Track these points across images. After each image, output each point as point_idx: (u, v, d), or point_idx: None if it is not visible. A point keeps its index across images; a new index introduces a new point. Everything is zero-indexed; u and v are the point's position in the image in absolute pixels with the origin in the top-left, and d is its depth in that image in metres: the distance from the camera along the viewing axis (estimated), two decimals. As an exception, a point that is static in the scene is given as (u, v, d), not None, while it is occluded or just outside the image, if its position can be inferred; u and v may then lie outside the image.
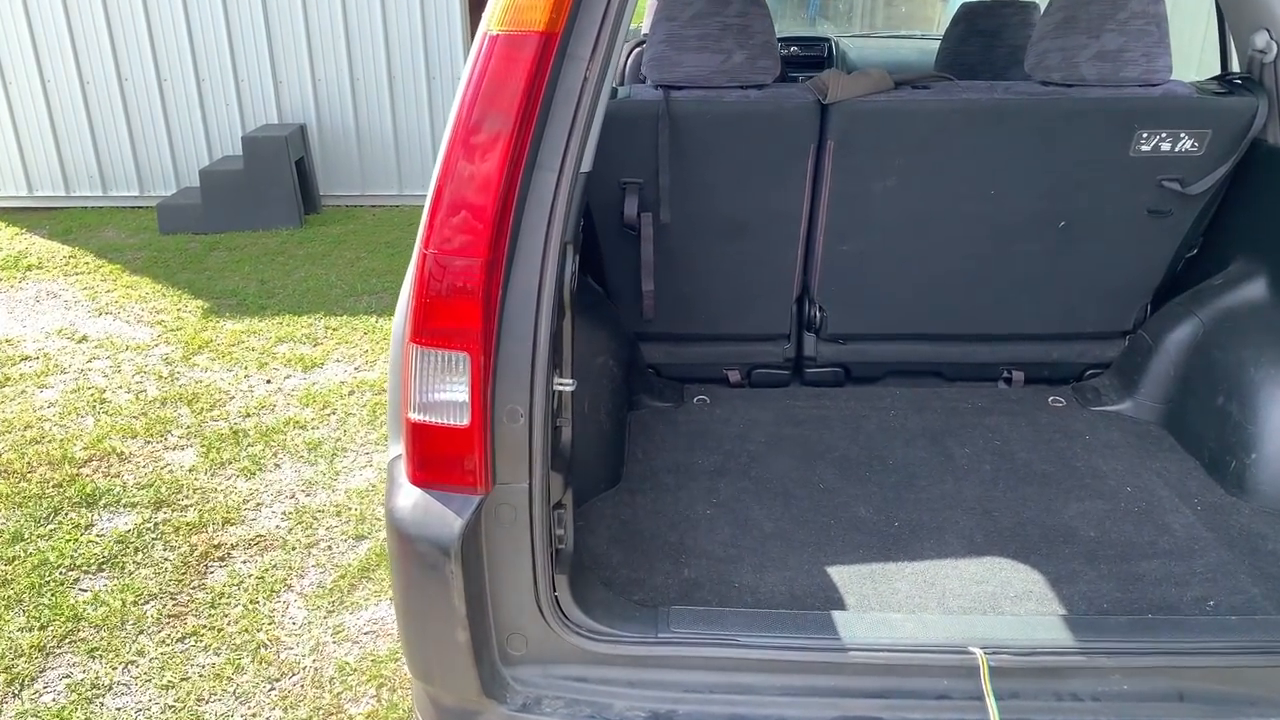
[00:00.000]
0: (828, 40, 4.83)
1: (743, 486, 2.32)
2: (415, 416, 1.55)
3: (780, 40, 4.85)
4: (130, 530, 3.31)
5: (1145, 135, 2.37)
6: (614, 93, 2.46)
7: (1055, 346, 2.78)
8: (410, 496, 1.58)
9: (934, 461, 2.42)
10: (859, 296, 2.69)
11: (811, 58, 4.69)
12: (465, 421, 1.53)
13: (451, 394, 1.52)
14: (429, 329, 1.50)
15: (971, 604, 1.90)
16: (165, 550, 3.23)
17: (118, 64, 6.76)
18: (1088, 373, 2.82)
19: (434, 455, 1.56)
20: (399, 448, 1.65)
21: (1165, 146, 2.38)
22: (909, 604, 1.90)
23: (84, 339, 4.86)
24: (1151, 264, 2.62)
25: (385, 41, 6.79)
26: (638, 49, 3.88)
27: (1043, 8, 2.56)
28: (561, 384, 1.65)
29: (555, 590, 1.68)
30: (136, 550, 3.22)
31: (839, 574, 1.99)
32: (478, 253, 1.48)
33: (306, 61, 6.83)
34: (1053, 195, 2.48)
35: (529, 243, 1.54)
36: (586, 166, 1.61)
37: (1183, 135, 2.37)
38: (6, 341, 4.84)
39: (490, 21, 1.55)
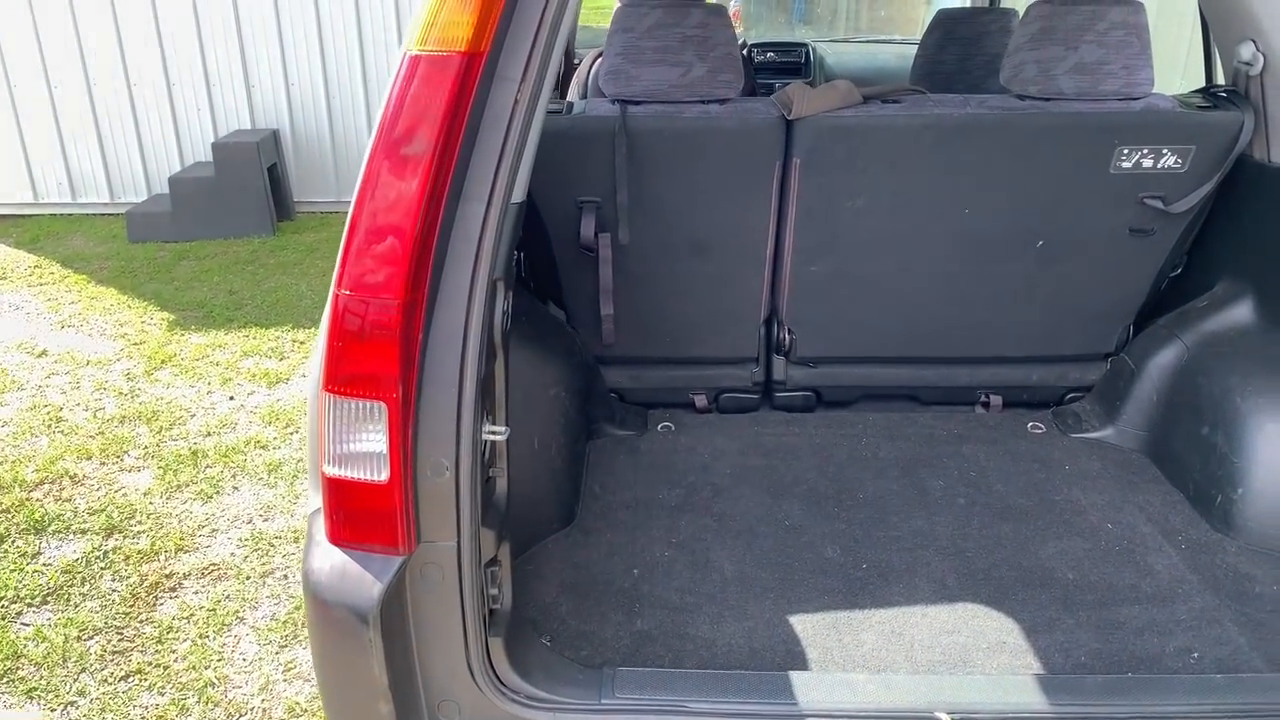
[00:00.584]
0: (805, 46, 4.72)
1: (704, 524, 2.20)
2: (330, 471, 1.43)
3: (756, 46, 4.74)
4: (79, 559, 3.18)
5: (1126, 151, 2.26)
6: (569, 107, 2.34)
7: (1034, 369, 2.67)
8: (328, 557, 1.46)
9: (906, 495, 2.30)
10: (829, 318, 2.57)
11: (789, 64, 4.57)
12: (384, 476, 1.40)
13: (368, 446, 1.40)
14: (342, 376, 1.38)
15: (941, 658, 1.78)
16: (114, 580, 3.09)
17: (86, 69, 6.61)
18: (1068, 396, 2.71)
19: (352, 513, 1.44)
20: (319, 500, 1.53)
21: (1147, 163, 2.27)
22: (874, 659, 1.78)
23: (44, 353, 4.72)
24: (1133, 284, 2.51)
25: (360, 46, 6.65)
26: (599, 59, 3.76)
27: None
28: (493, 433, 1.53)
29: (489, 654, 1.56)
30: (84, 581, 3.09)
31: (801, 624, 1.87)
32: (394, 293, 1.36)
33: (279, 66, 6.69)
34: (1030, 213, 2.36)
35: (454, 280, 1.42)
36: (519, 196, 1.49)
37: (1165, 151, 2.25)
38: (-38, 357, 4.70)
39: (410, 40, 1.43)
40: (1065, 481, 2.34)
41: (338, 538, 1.47)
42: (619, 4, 2.39)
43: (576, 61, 4.03)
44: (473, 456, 1.44)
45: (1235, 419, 2.16)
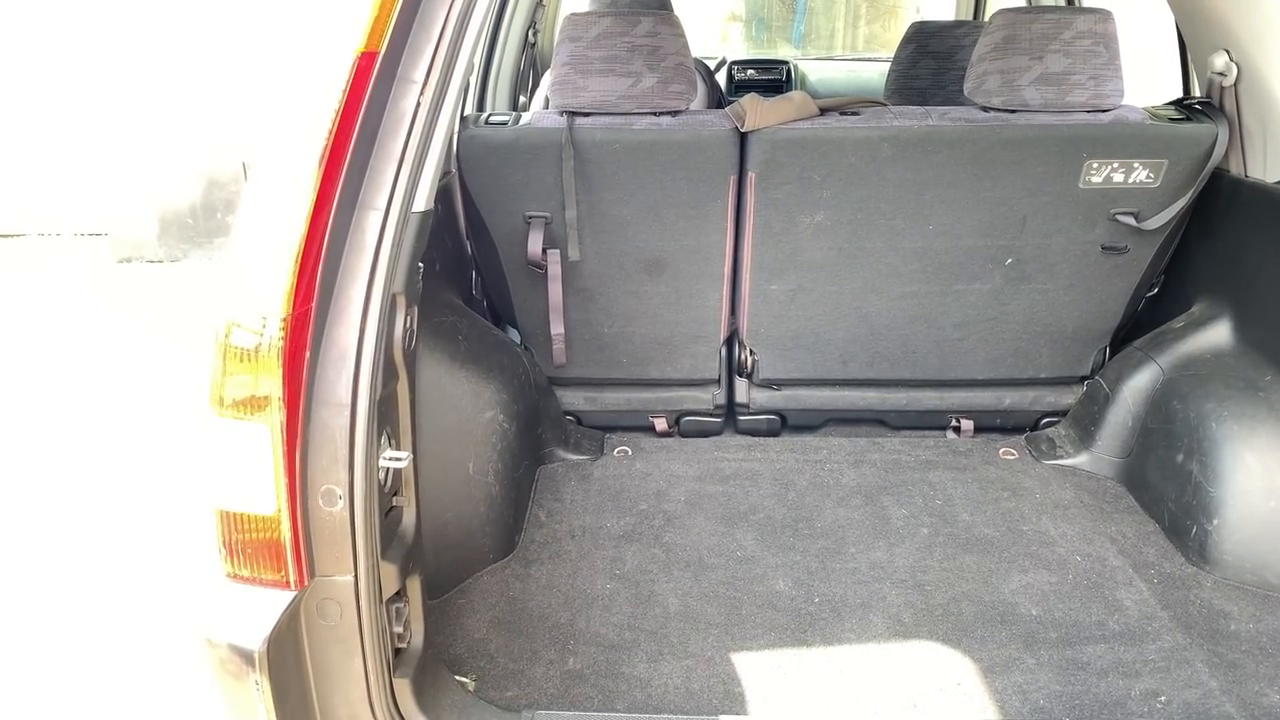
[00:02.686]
0: (786, 63, 4.63)
1: (652, 555, 2.09)
2: (213, 500, 1.32)
3: (736, 63, 4.66)
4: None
5: (1095, 165, 2.15)
6: (516, 119, 2.26)
7: (1007, 392, 2.56)
8: (214, 593, 1.36)
9: (867, 524, 2.19)
10: (792, 339, 2.46)
11: (769, 81, 4.48)
12: (270, 506, 1.30)
13: (252, 474, 1.30)
14: (224, 397, 1.28)
15: (889, 701, 1.67)
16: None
17: (72, 88, 6.57)
18: (1043, 421, 2.59)
19: (239, 545, 1.34)
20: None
21: (1118, 177, 2.17)
22: (818, 703, 1.67)
23: (20, 374, 4.64)
24: (1108, 305, 2.40)
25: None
26: None
27: None
28: (395, 458, 1.42)
29: (394, 696, 1.45)
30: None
31: (744, 663, 1.76)
32: (280, 307, 1.26)
33: (267, 87, 6.63)
34: (997, 230, 2.26)
35: (348, 295, 1.32)
36: (421, 205, 1.39)
37: (1136, 165, 2.15)
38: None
39: (309, 39, 1.34)
40: (1035, 510, 2.23)
41: (226, 572, 1.36)
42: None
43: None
44: (368, 484, 1.33)
45: (1211, 446, 2.05)
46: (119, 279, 6.00)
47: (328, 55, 1.31)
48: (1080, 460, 2.41)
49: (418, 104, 1.35)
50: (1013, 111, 2.16)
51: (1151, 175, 2.16)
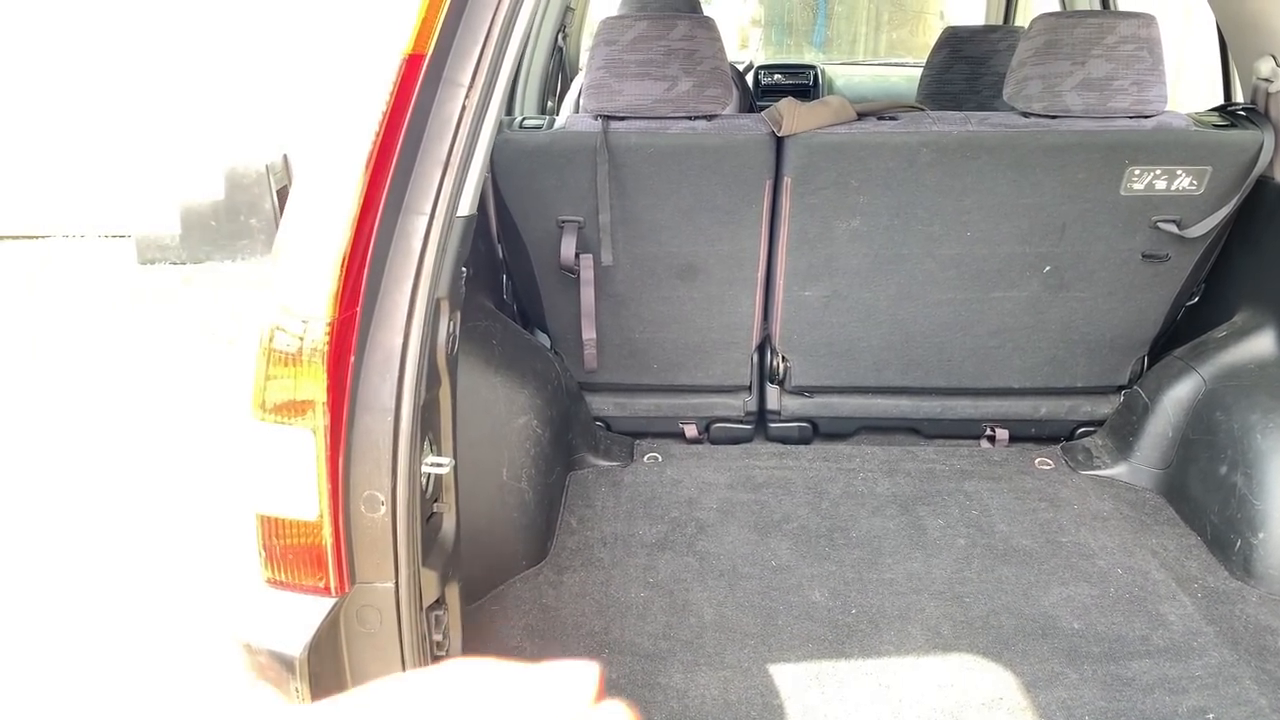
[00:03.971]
0: (814, 68, 4.61)
1: (685, 564, 2.07)
2: (255, 505, 1.31)
3: (764, 67, 4.64)
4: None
5: (1137, 172, 2.12)
6: (550, 123, 2.25)
7: (1043, 402, 2.52)
8: (255, 598, 1.35)
9: (903, 534, 2.16)
10: (825, 346, 2.44)
11: (796, 86, 4.46)
12: (313, 512, 1.29)
13: (296, 479, 1.29)
14: (268, 401, 1.27)
15: (931, 715, 1.64)
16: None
17: (95, 90, 6.62)
18: (1079, 431, 2.55)
19: (280, 551, 1.33)
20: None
21: (1160, 184, 2.14)
22: (858, 715, 1.64)
23: (42, 375, 4.66)
24: (1147, 313, 2.37)
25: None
26: None
27: None
28: (436, 464, 1.41)
29: None
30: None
31: (782, 675, 1.74)
32: (325, 311, 1.25)
33: (292, 90, 6.66)
34: (1036, 237, 2.23)
35: (393, 299, 1.31)
36: (466, 210, 1.38)
37: (1179, 172, 2.12)
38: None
39: (355, 41, 1.34)
40: (1073, 522, 2.19)
41: (267, 578, 1.35)
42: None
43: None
44: (411, 490, 1.32)
45: (1256, 458, 2.01)
46: (143, 280, 6.02)
47: (374, 57, 1.30)
48: (1118, 471, 2.37)
49: (463, 107, 1.33)
50: (1054, 117, 2.14)
51: (1195, 182, 2.12)
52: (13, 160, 6.78)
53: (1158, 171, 2.12)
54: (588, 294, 2.32)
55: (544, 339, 2.58)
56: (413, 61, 1.30)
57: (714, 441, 2.62)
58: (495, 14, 1.34)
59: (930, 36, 6.67)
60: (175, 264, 6.30)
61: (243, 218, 6.33)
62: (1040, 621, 1.87)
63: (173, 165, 6.72)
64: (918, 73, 4.85)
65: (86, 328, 5.26)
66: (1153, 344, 2.45)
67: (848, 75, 4.81)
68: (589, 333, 2.37)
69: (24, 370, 4.72)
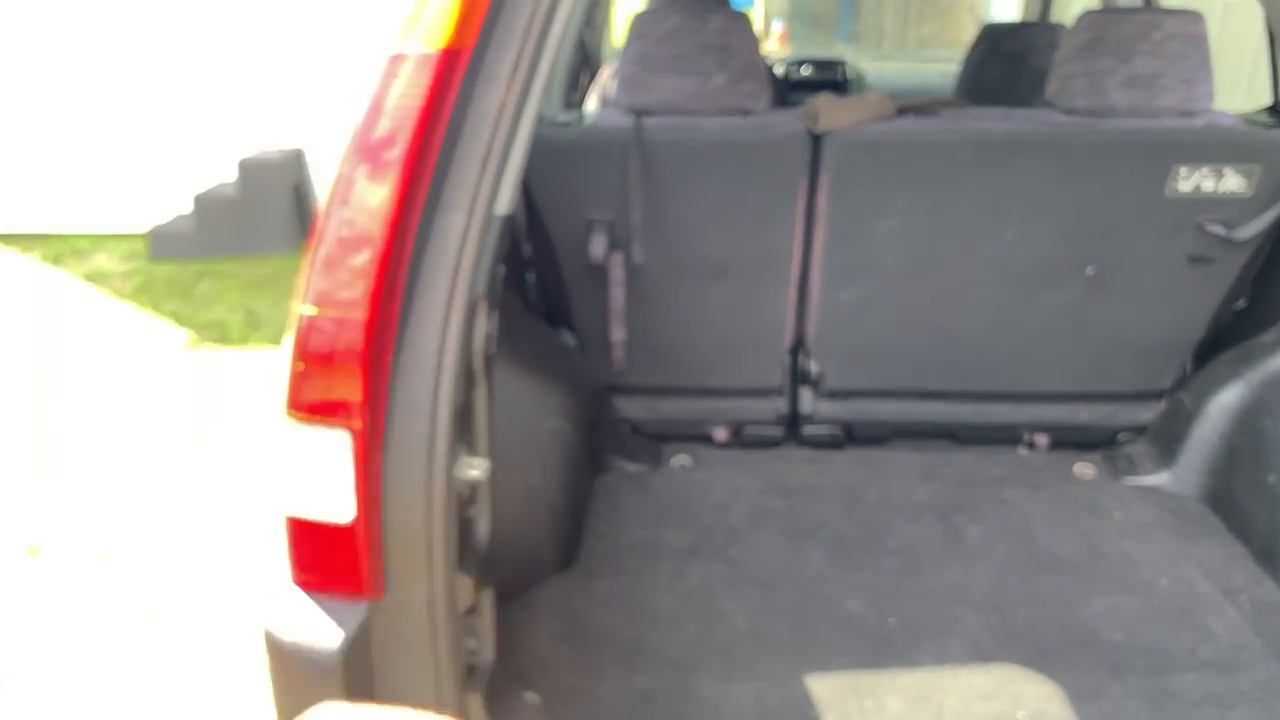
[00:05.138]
0: (843, 63, 4.56)
1: (716, 571, 2.02)
2: (289, 508, 1.28)
3: (793, 62, 4.59)
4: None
5: (1184, 171, 2.07)
6: (580, 119, 2.21)
7: (1083, 407, 2.47)
8: (287, 603, 1.31)
9: (941, 543, 2.11)
10: (860, 348, 2.39)
11: (825, 81, 4.41)
12: (348, 515, 1.25)
13: (331, 481, 1.25)
14: (302, 401, 1.23)
15: None
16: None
17: (110, 85, 6.61)
18: (1119, 437, 2.50)
19: (312, 554, 1.29)
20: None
21: (1207, 185, 2.08)
22: (899, 728, 1.60)
23: (53, 369, 4.65)
24: (1192, 317, 2.31)
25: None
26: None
27: None
28: (472, 467, 1.37)
29: (466, 712, 1.40)
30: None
31: (819, 686, 1.69)
32: (361, 310, 1.21)
33: (306, 84, 6.64)
34: (1078, 238, 2.18)
35: (430, 298, 1.27)
36: (504, 208, 1.34)
37: (1227, 172, 2.06)
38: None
39: (393, 37, 1.30)
40: (1116, 531, 2.14)
41: (299, 582, 1.31)
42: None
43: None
44: (447, 494, 1.28)
45: None
46: (157, 278, 6.01)
47: (413, 52, 1.26)
48: (1161, 479, 2.31)
49: (502, 104, 1.29)
50: (1098, 115, 2.09)
51: (1244, 183, 2.07)
52: (29, 156, 6.79)
53: (1205, 171, 2.07)
54: (617, 293, 2.28)
55: (569, 339, 2.54)
56: (452, 56, 1.26)
57: (744, 445, 2.57)
58: (535, 9, 1.30)
59: (961, 30, 6.60)
60: (189, 259, 6.29)
61: (257, 213, 6.31)
62: (1083, 633, 1.82)
63: (188, 160, 6.73)
64: (949, 67, 4.80)
65: (101, 322, 5.25)
66: (1197, 349, 2.39)
67: (879, 70, 4.76)
68: (618, 333, 2.33)
69: (39, 365, 4.72)
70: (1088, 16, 2.09)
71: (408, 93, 1.24)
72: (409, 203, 1.24)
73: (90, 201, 6.85)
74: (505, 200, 1.33)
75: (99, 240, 6.76)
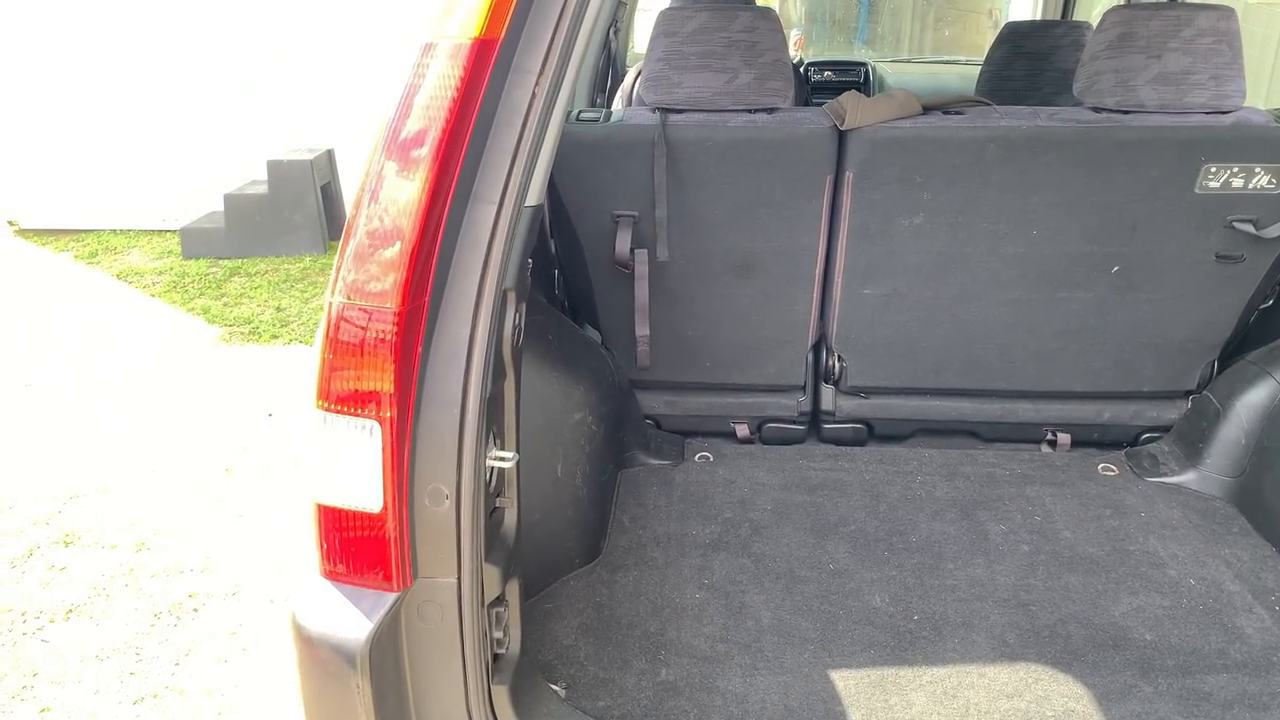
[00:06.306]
0: (864, 65, 4.55)
1: (740, 565, 2.03)
2: (318, 497, 1.30)
3: (814, 64, 4.59)
4: (104, 575, 3.11)
5: (1214, 169, 2.05)
6: (606, 116, 2.22)
7: (1106, 406, 2.45)
8: (314, 591, 1.33)
9: (964, 539, 2.11)
10: (883, 345, 2.39)
11: (847, 83, 4.40)
12: (377, 504, 1.27)
13: (360, 471, 1.27)
14: (333, 391, 1.25)
15: None
16: (137, 598, 3.01)
17: (144, 86, 6.70)
18: (1143, 436, 2.48)
19: (341, 544, 1.31)
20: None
21: (1237, 182, 2.07)
22: (923, 724, 1.60)
23: (89, 365, 4.72)
24: (1219, 316, 2.29)
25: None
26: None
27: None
28: (500, 458, 1.38)
29: (492, 703, 1.41)
30: (108, 596, 3.01)
31: (844, 681, 1.69)
32: (393, 301, 1.23)
33: (335, 84, 6.70)
34: (1105, 236, 2.17)
35: (460, 289, 1.29)
36: (534, 200, 1.35)
37: (1258, 170, 2.05)
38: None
39: (427, 27, 1.31)
40: (1141, 530, 2.13)
41: (328, 571, 1.33)
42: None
43: (623, 74, 3.92)
44: (475, 484, 1.30)
45: None
46: (189, 275, 6.08)
47: (444, 41, 1.27)
48: (1186, 478, 2.30)
49: (533, 95, 1.31)
50: (1126, 112, 2.07)
51: (1274, 181, 2.05)
52: (63, 154, 6.89)
53: (1235, 169, 2.05)
54: (641, 289, 2.29)
55: (593, 334, 2.56)
56: (483, 46, 1.27)
57: (765, 442, 2.58)
58: (566, 1, 1.31)
59: (979, 35, 6.58)
60: (220, 258, 6.36)
61: (286, 212, 6.37)
62: (1110, 632, 1.81)
63: (219, 159, 6.80)
64: (968, 69, 4.78)
65: (134, 317, 5.32)
66: (1223, 348, 2.37)
67: (899, 72, 4.74)
68: (642, 329, 2.34)
69: (72, 358, 4.79)
70: (1115, 12, 2.08)
71: (440, 82, 1.26)
72: (440, 194, 1.25)
73: (123, 199, 6.94)
74: (535, 192, 1.35)
75: (132, 237, 6.86)
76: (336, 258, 1.28)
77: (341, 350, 1.25)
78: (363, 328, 1.24)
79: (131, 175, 6.91)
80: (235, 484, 3.64)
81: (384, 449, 1.25)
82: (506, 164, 1.30)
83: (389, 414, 1.24)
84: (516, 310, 1.38)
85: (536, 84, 1.31)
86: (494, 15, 1.27)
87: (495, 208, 1.29)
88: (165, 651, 2.79)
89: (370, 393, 1.24)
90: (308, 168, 6.33)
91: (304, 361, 4.75)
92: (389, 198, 1.25)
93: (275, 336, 5.07)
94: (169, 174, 6.91)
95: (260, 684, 2.66)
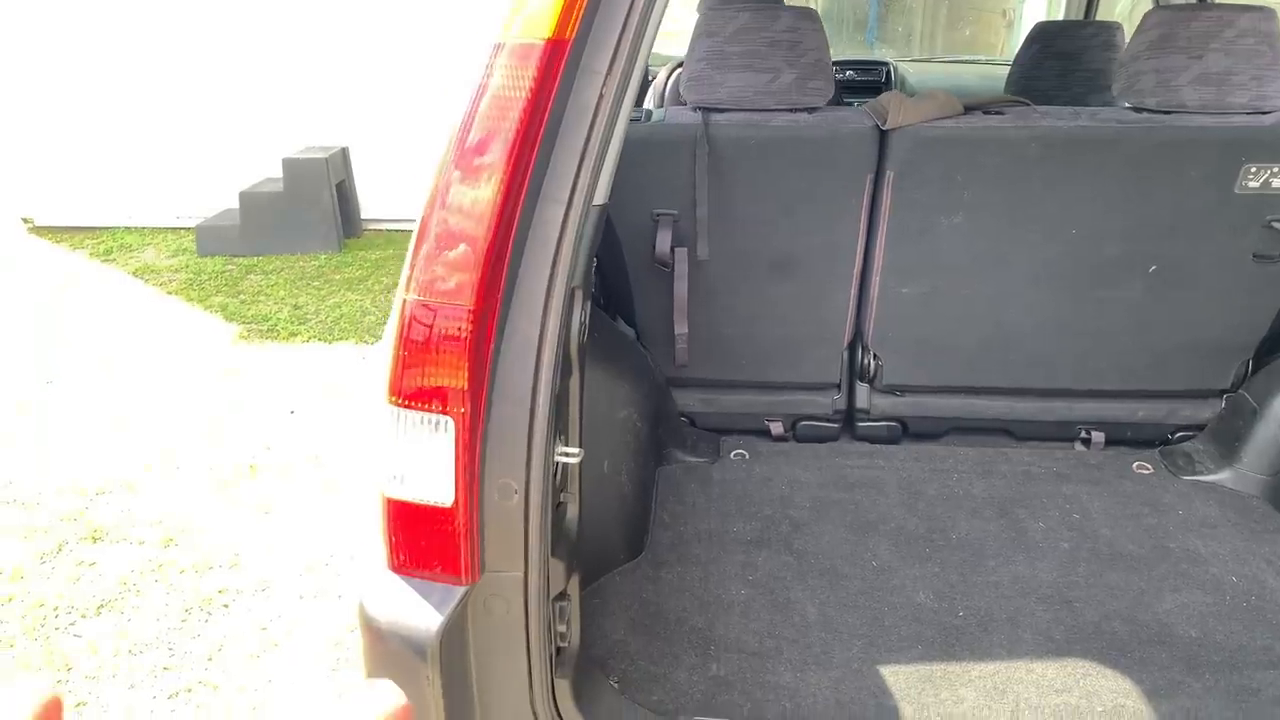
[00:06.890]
0: (886, 65, 4.56)
1: (784, 562, 2.04)
2: (389, 491, 1.31)
3: (835, 64, 4.59)
4: (133, 570, 3.12)
5: (1254, 170, 2.07)
6: (648, 115, 2.23)
7: (1141, 405, 2.47)
8: (384, 584, 1.34)
9: (1004, 537, 2.12)
10: (919, 344, 2.40)
11: (869, 83, 4.41)
12: (448, 498, 1.28)
13: (432, 465, 1.28)
14: (406, 387, 1.26)
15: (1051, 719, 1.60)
16: (167, 594, 3.03)
17: (158, 84, 6.71)
18: (1177, 435, 2.50)
19: (411, 538, 1.32)
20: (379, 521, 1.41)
21: (1277, 183, 2.08)
22: (975, 718, 1.61)
23: (109, 362, 4.73)
24: (1255, 316, 2.31)
25: (433, 64, 6.64)
26: (678, 69, 3.65)
27: (1129, 28, 2.27)
28: (566, 454, 1.40)
29: (555, 696, 1.43)
30: (138, 592, 3.03)
31: (894, 675, 1.71)
32: (467, 299, 1.24)
33: (351, 82, 6.71)
34: (1143, 236, 2.18)
35: (529, 287, 1.30)
36: (601, 199, 1.37)
37: None
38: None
39: (497, 28, 1.33)
40: (1180, 528, 2.14)
41: (396, 564, 1.35)
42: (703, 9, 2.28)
43: (651, 77, 3.92)
44: (544, 479, 1.31)
45: None
46: (205, 273, 6.09)
47: (516, 42, 1.29)
48: (1222, 477, 2.31)
49: (600, 95, 1.32)
50: (1167, 113, 2.09)
51: None
52: (79, 152, 6.90)
53: (1275, 169, 2.06)
54: (681, 288, 2.31)
55: (629, 332, 2.57)
56: (554, 47, 1.28)
57: (799, 439, 2.59)
58: (634, 1, 1.33)
59: (994, 34, 6.59)
60: (235, 256, 6.37)
61: (301, 210, 6.38)
62: (1155, 628, 1.83)
63: (234, 157, 6.81)
64: (987, 69, 4.79)
65: (151, 315, 5.34)
66: (1259, 348, 2.38)
67: (919, 71, 4.75)
68: (681, 327, 2.36)
69: (92, 355, 4.80)
70: (1156, 13, 2.10)
71: (511, 84, 1.27)
72: (512, 194, 1.26)
73: (138, 196, 6.95)
74: (602, 191, 1.36)
75: (146, 235, 6.87)
76: (410, 255, 1.29)
77: (415, 347, 1.26)
78: (436, 326, 1.25)
79: (146, 172, 6.93)
80: (260, 481, 3.66)
81: (456, 444, 1.26)
82: (575, 164, 1.31)
83: (462, 409, 1.25)
84: (582, 308, 1.40)
85: (604, 84, 1.32)
86: (564, 15, 1.29)
87: (564, 207, 1.31)
88: (197, 647, 2.80)
89: (443, 389, 1.26)
90: (323, 165, 6.35)
91: (323, 360, 4.77)
92: (462, 198, 1.26)
93: (294, 334, 5.08)
94: (183, 171, 6.93)
95: (293, 680, 2.68)
